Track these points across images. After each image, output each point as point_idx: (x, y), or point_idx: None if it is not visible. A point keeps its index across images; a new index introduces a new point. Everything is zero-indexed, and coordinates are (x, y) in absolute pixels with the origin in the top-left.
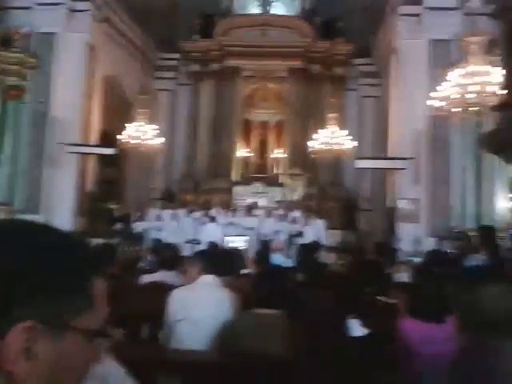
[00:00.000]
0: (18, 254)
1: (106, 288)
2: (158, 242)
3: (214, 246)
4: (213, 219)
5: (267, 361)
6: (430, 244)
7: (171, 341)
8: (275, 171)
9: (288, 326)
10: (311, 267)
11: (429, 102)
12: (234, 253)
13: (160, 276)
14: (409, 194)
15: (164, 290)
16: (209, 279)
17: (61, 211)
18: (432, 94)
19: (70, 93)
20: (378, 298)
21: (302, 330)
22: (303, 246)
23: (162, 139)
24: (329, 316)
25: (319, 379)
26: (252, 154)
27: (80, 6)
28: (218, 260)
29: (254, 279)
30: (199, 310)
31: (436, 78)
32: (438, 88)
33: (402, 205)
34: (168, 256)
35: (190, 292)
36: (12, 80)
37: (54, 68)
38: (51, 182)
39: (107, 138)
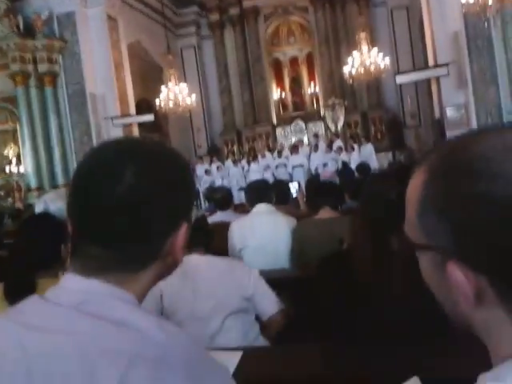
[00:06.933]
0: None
1: None
2: (209, 188)
3: (264, 180)
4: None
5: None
6: None
7: None
8: (314, 105)
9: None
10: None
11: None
12: (284, 183)
13: (217, 217)
14: (455, 100)
15: (225, 227)
16: (262, 207)
17: None
18: None
19: (101, 67)
20: None
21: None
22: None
23: (194, 96)
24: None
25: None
26: (287, 93)
27: None
28: (270, 189)
29: None
30: (256, 237)
31: None
32: None
33: (450, 113)
34: (220, 197)
35: (245, 222)
36: (44, 66)
37: (80, 46)
38: None
39: (144, 105)
